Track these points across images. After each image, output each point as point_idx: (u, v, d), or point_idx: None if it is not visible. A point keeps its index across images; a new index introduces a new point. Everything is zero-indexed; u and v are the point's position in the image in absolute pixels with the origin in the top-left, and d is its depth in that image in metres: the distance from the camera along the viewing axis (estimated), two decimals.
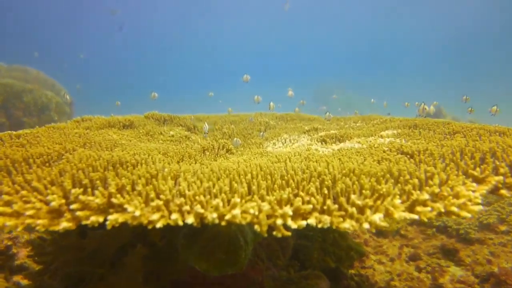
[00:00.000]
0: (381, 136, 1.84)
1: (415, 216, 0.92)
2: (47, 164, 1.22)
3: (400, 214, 0.88)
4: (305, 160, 1.35)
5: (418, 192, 0.99)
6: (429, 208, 0.94)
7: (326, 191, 1.00)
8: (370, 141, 1.76)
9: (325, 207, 0.94)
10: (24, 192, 0.94)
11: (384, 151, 1.47)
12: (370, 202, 0.93)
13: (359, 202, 0.94)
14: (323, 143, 2.11)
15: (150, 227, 0.86)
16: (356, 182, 1.05)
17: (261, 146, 2.48)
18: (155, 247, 1.74)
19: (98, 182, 0.98)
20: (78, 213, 0.86)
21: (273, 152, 1.99)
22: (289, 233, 0.91)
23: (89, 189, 0.95)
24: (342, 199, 0.97)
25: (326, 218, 0.89)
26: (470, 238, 3.45)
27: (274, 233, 0.91)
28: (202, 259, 1.37)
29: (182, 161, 1.39)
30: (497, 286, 2.67)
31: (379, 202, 0.94)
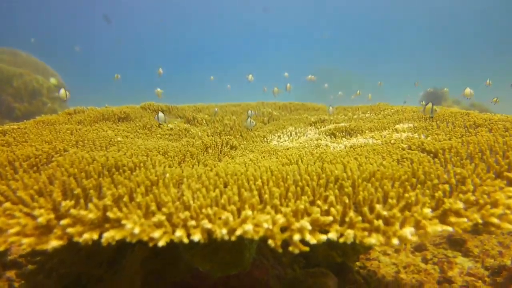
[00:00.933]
0: (396, 130, 1.74)
1: (449, 228, 0.84)
2: (35, 168, 1.12)
3: (434, 228, 0.79)
4: (318, 160, 1.25)
5: (451, 200, 0.90)
6: (464, 219, 0.85)
7: (346, 200, 0.91)
8: (385, 136, 1.66)
9: (346, 219, 0.85)
10: (7, 205, 0.85)
11: (403, 149, 1.37)
12: (397, 213, 0.85)
13: (385, 213, 0.85)
14: (333, 137, 2.01)
15: (151, 244, 0.77)
16: (380, 189, 0.96)
17: (265, 139, 2.38)
18: (155, 247, 1.67)
19: (91, 191, 0.89)
20: (69, 229, 0.77)
21: (280, 147, 1.89)
22: (307, 248, 0.83)
23: (82, 200, 0.86)
24: (365, 209, 0.88)
25: (350, 233, 0.81)
26: (478, 228, 3.38)
27: (291, 248, 0.82)
28: (205, 259, 1.30)
29: (183, 162, 1.29)
30: (510, 280, 2.63)
31: (408, 212, 0.86)
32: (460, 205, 0.89)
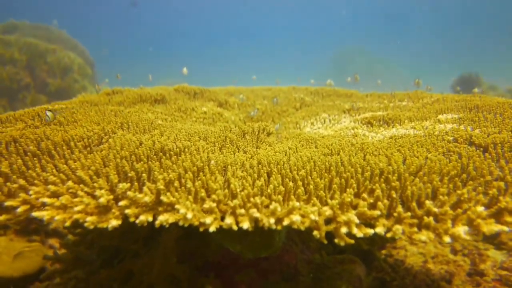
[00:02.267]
0: (439, 121, 1.66)
1: (505, 228, 0.80)
2: (88, 149, 1.18)
3: (490, 228, 0.76)
4: (360, 151, 1.23)
5: (507, 198, 0.85)
6: None
7: (394, 194, 0.89)
8: (427, 127, 1.59)
9: (394, 214, 0.84)
10: (70, 183, 0.90)
11: (449, 141, 1.31)
12: (449, 210, 0.82)
13: (436, 210, 0.82)
14: (369, 126, 1.95)
15: (201, 229, 0.80)
16: (428, 184, 0.92)
17: (298, 126, 2.35)
18: (188, 227, 1.73)
19: (144, 175, 0.92)
20: (127, 211, 0.81)
21: (314, 134, 1.87)
22: (352, 241, 0.83)
23: (136, 183, 0.89)
24: (414, 205, 0.86)
25: (398, 228, 0.79)
26: None
27: (336, 240, 0.82)
28: (235, 240, 1.34)
29: (224, 148, 1.31)
30: None
31: (460, 210, 0.83)
32: None
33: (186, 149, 1.15)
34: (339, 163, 1.06)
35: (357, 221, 0.81)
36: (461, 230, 0.77)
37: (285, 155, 1.20)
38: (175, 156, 1.09)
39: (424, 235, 0.78)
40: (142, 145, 1.16)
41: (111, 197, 0.84)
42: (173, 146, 1.15)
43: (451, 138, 1.33)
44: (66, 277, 1.82)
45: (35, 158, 1.07)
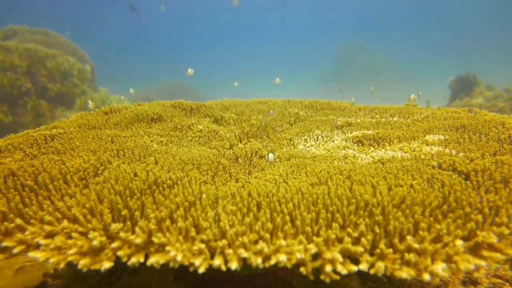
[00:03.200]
0: (427, 142, 1.69)
1: (482, 262, 0.83)
2: (84, 182, 1.20)
3: (467, 265, 0.79)
4: (348, 179, 1.26)
5: (484, 233, 0.88)
6: (498, 254, 0.84)
7: (377, 229, 0.91)
8: (415, 149, 1.62)
9: (377, 250, 0.86)
10: (65, 223, 0.92)
11: (433, 167, 1.34)
12: (429, 246, 0.84)
13: (416, 246, 0.85)
14: (360, 145, 1.99)
15: (191, 269, 0.82)
16: (410, 218, 0.95)
17: (291, 142, 2.39)
18: None
19: (137, 213, 0.95)
20: (120, 252, 0.83)
21: (307, 153, 1.89)
22: (337, 277, 0.85)
23: (128, 222, 0.92)
24: (396, 241, 0.88)
25: (380, 265, 0.82)
26: None
27: (322, 277, 0.85)
28: None
29: (216, 175, 1.34)
30: None
31: (439, 245, 0.85)
32: (494, 238, 0.87)
33: (179, 181, 1.17)
34: (326, 195, 1.09)
35: (341, 259, 0.83)
36: (439, 267, 0.79)
37: (275, 184, 1.23)
38: (168, 189, 1.11)
39: (405, 273, 0.80)
40: (136, 177, 1.19)
41: (104, 238, 0.86)
42: (166, 178, 1.18)
43: (435, 164, 1.36)
44: None
45: (32, 194, 1.09)
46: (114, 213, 1.00)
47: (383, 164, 1.48)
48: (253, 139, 2.70)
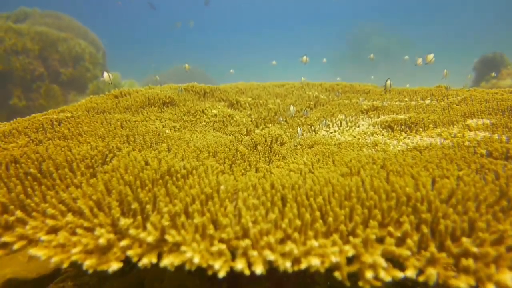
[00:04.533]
0: (469, 127, 1.53)
1: None
2: (91, 170, 1.13)
3: None
4: (382, 169, 1.13)
5: None
6: None
7: (425, 229, 0.79)
8: (455, 135, 1.47)
9: (426, 254, 0.75)
10: (70, 217, 0.85)
11: (482, 155, 1.20)
12: (491, 250, 0.72)
13: (475, 250, 0.73)
14: (390, 130, 1.84)
15: (210, 273, 0.73)
16: (464, 216, 0.83)
17: (312, 128, 2.26)
18: None
19: (148, 206, 0.86)
20: (129, 252, 0.75)
21: (330, 139, 1.77)
22: (379, 284, 0.75)
23: (139, 217, 0.83)
24: (449, 243, 0.76)
25: (432, 273, 0.71)
26: None
27: (361, 283, 0.75)
28: None
29: (234, 164, 1.24)
30: None
31: (502, 248, 0.73)
32: None
33: (194, 171, 1.08)
34: (360, 187, 0.97)
35: (384, 264, 0.72)
36: (508, 277, 0.67)
37: (300, 174, 1.12)
38: (182, 180, 1.02)
39: (462, 282, 0.69)
40: (148, 166, 1.10)
41: (112, 235, 0.78)
42: (180, 167, 1.09)
43: (484, 152, 1.21)
44: (79, 283, 1.81)
45: (35, 183, 1.02)
46: (124, 206, 0.92)
47: (420, 152, 1.34)
48: (270, 125, 2.58)
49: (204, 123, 2.26)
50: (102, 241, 0.75)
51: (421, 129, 1.70)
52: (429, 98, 2.46)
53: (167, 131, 1.64)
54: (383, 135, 1.75)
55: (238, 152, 1.32)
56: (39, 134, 1.46)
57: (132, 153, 1.24)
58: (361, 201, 0.92)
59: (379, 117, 2.12)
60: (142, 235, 0.76)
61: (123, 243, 0.76)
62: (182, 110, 2.45)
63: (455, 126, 1.59)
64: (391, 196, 0.92)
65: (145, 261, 0.73)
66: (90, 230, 0.82)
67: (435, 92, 2.58)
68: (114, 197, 0.92)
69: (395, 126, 1.84)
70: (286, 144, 1.68)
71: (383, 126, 1.90)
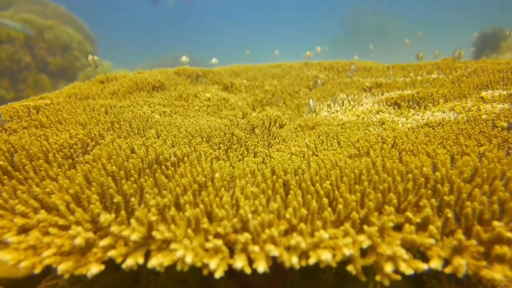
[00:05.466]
0: (484, 100, 1.44)
1: None
2: (70, 161, 1.03)
3: None
4: (394, 149, 1.04)
5: None
6: None
7: (449, 213, 0.71)
8: (470, 109, 1.38)
9: (453, 241, 0.66)
10: (42, 214, 0.75)
11: (503, 128, 1.11)
12: None
13: (510, 235, 0.65)
14: (396, 108, 1.74)
15: (205, 273, 0.65)
16: (494, 197, 0.74)
17: (313, 109, 2.15)
18: None
19: (133, 199, 0.77)
20: (111, 252, 0.66)
21: (332, 120, 1.67)
22: (399, 277, 0.66)
23: (123, 212, 0.74)
24: (478, 229, 0.68)
25: (461, 263, 0.62)
26: None
27: (378, 278, 0.66)
28: None
29: (230, 150, 1.14)
30: None
31: None
32: None
33: (186, 158, 0.98)
34: (372, 169, 0.88)
35: (405, 256, 0.64)
36: None
37: (303, 158, 1.02)
38: (172, 168, 0.92)
39: (499, 273, 0.60)
40: (134, 154, 1.00)
41: (91, 234, 0.69)
42: (170, 154, 0.99)
43: (505, 124, 1.12)
44: (71, 279, 1.75)
45: (5, 177, 0.92)
46: (106, 200, 0.82)
47: (433, 128, 1.25)
48: (268, 107, 2.48)
49: (197, 107, 2.15)
50: (78, 241, 0.66)
51: (430, 104, 1.60)
52: (435, 72, 2.35)
53: (156, 117, 1.53)
54: (389, 112, 1.65)
55: (234, 136, 1.22)
56: (14, 123, 1.35)
57: (116, 140, 1.14)
58: (374, 185, 0.83)
59: (383, 95, 2.01)
60: (126, 232, 0.67)
61: (104, 242, 0.67)
62: (173, 94, 2.33)
63: (468, 99, 1.50)
64: (407, 178, 0.83)
65: (130, 262, 0.64)
66: (65, 228, 0.73)
67: (442, 65, 2.47)
68: (94, 190, 0.83)
69: (402, 102, 1.74)
70: (286, 126, 1.58)
71: (388, 103, 1.80)
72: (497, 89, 1.52)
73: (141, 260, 0.66)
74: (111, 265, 1.76)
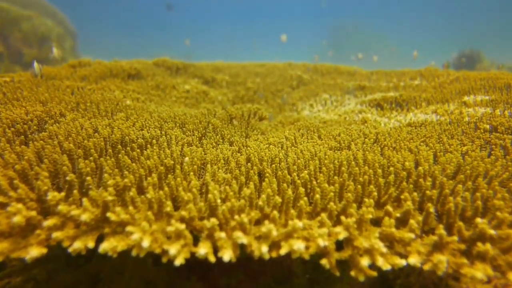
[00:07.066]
0: (466, 104, 1.46)
1: None
2: (22, 137, 0.94)
3: None
4: (376, 144, 1.02)
5: None
6: None
7: (431, 208, 0.68)
8: (452, 112, 1.39)
9: (434, 237, 0.64)
10: None
11: (485, 130, 1.11)
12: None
13: (492, 232, 0.63)
14: (379, 109, 1.74)
15: (165, 260, 0.59)
16: (477, 193, 0.72)
17: (294, 108, 2.13)
18: None
19: (88, 179, 0.70)
20: (56, 234, 0.59)
21: (314, 119, 1.65)
22: (375, 273, 0.63)
23: (75, 191, 0.67)
24: (460, 225, 0.66)
25: (441, 259, 0.59)
26: None
27: (353, 273, 0.62)
28: None
29: (205, 137, 1.08)
30: None
31: None
32: None
33: (154, 141, 0.92)
34: (352, 161, 0.85)
35: (383, 249, 0.60)
36: None
37: (282, 148, 0.98)
38: (139, 150, 0.86)
39: (479, 270, 0.58)
40: (96, 134, 0.93)
41: (34, 213, 0.61)
42: (137, 136, 0.92)
43: (487, 126, 1.13)
44: (26, 277, 1.62)
45: None
46: (60, 179, 0.75)
47: (415, 128, 1.24)
48: (249, 104, 2.44)
49: (174, 98, 2.08)
50: (17, 219, 0.58)
51: (413, 107, 1.61)
52: (418, 78, 2.39)
53: (127, 101, 1.45)
54: (372, 113, 1.64)
55: (210, 125, 1.17)
56: None
57: (79, 120, 1.06)
58: (354, 177, 0.80)
59: (366, 96, 2.02)
60: (75, 212, 0.60)
61: (49, 222, 0.60)
62: (149, 84, 2.24)
63: (450, 103, 1.51)
64: (389, 171, 0.81)
65: (77, 245, 0.58)
66: (5, 206, 0.65)
67: (425, 73, 2.52)
68: (45, 167, 0.75)
69: (385, 104, 1.74)
70: (265, 120, 1.54)
71: (371, 104, 1.80)
72: (479, 95, 1.55)
73: (91, 244, 0.59)
74: (72, 263, 1.64)
